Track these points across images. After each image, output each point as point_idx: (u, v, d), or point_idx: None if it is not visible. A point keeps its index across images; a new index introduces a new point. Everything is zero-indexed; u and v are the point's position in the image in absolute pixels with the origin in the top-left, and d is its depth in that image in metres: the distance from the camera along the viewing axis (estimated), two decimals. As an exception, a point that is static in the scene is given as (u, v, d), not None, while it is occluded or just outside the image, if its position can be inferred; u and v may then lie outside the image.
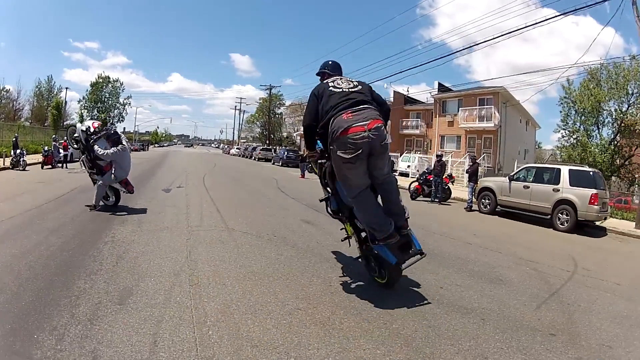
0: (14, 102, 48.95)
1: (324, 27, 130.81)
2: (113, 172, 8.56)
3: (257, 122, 76.89)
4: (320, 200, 5.36)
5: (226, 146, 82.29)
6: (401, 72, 63.87)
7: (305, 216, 9.49)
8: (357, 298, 4.30)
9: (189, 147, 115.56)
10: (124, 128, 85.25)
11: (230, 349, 3.08)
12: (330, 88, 4.30)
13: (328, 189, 4.99)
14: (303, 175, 24.37)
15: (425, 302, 4.35)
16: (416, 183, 16.79)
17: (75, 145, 9.06)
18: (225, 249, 5.99)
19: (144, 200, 10.17)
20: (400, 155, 32.55)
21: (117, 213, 8.28)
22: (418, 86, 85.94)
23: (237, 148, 66.25)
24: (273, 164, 39.06)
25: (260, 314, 3.73)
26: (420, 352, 3.23)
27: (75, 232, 6.52)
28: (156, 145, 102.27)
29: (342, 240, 5.19)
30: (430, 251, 6.67)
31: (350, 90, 4.27)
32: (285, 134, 71.52)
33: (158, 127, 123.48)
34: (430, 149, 35.46)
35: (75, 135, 8.87)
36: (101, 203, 8.66)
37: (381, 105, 4.41)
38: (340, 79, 4.48)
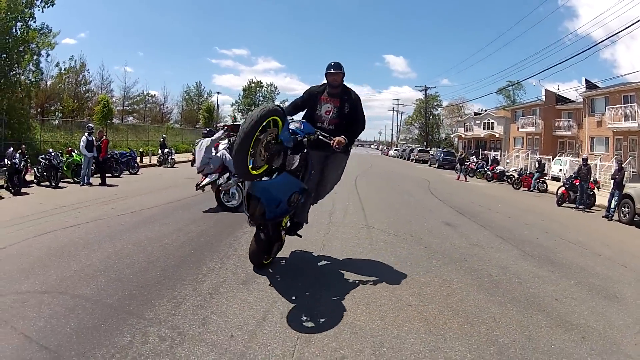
0: (161, 106, 54.59)
1: (472, 25, 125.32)
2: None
3: (415, 124, 77.45)
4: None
5: (385, 147, 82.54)
6: (547, 69, 58.45)
7: (449, 218, 9.55)
8: (470, 301, 4.37)
9: None
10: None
11: (329, 330, 3.43)
12: None
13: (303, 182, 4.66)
14: (459, 177, 23.77)
15: (535, 313, 4.24)
16: (563, 188, 15.61)
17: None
18: (359, 244, 6.38)
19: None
20: (553, 159, 30.08)
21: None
22: (570, 83, 77.76)
23: (395, 149, 66.86)
24: (429, 165, 38.89)
25: (371, 306, 4.01)
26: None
27: (215, 222, 7.36)
28: None
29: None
30: (559, 260, 6.53)
31: None
32: (443, 135, 70.93)
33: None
34: (580, 152, 32.32)
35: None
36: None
37: None
38: None
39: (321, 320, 3.65)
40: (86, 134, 13.49)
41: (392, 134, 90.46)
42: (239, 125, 5.02)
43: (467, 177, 24.81)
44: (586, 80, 33.38)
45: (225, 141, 8.62)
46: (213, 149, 8.63)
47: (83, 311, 3.47)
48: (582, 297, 4.95)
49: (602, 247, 8.10)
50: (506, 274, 5.51)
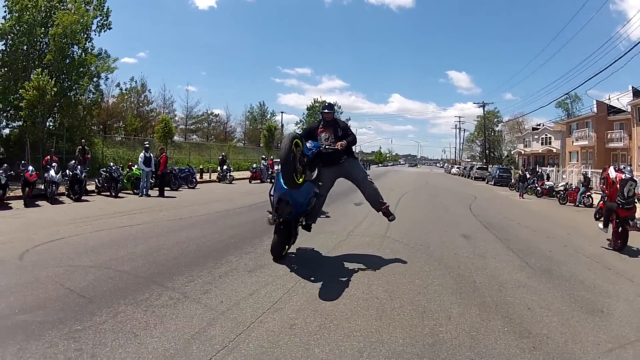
0: (224, 125, 57.88)
1: (530, 33, 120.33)
2: None
3: (477, 141, 77.26)
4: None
5: (448, 165, 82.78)
6: (595, 75, 52.73)
7: (470, 231, 9.90)
8: (436, 301, 4.75)
9: (412, 166, 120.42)
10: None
11: (294, 306, 4.36)
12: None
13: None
14: (521, 195, 23.18)
15: (496, 319, 4.33)
16: (601, 202, 14.76)
17: None
18: (363, 250, 7.19)
19: (332, 210, 11.71)
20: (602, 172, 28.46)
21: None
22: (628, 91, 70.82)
23: (457, 167, 67.33)
24: (487, 183, 38.66)
25: (343, 296, 4.76)
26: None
27: (250, 229, 8.61)
28: (379, 164, 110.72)
29: None
30: (559, 273, 6.47)
31: None
32: (505, 152, 69.98)
33: (381, 147, 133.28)
34: (630, 164, 30.01)
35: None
36: None
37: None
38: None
39: (295, 298, 4.61)
40: (143, 151, 15.84)
41: (455, 152, 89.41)
42: None
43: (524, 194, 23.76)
44: (633, 87, 30.93)
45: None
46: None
47: (120, 279, 4.80)
48: (560, 308, 4.84)
49: (618, 261, 7.70)
50: (491, 282, 5.69)
